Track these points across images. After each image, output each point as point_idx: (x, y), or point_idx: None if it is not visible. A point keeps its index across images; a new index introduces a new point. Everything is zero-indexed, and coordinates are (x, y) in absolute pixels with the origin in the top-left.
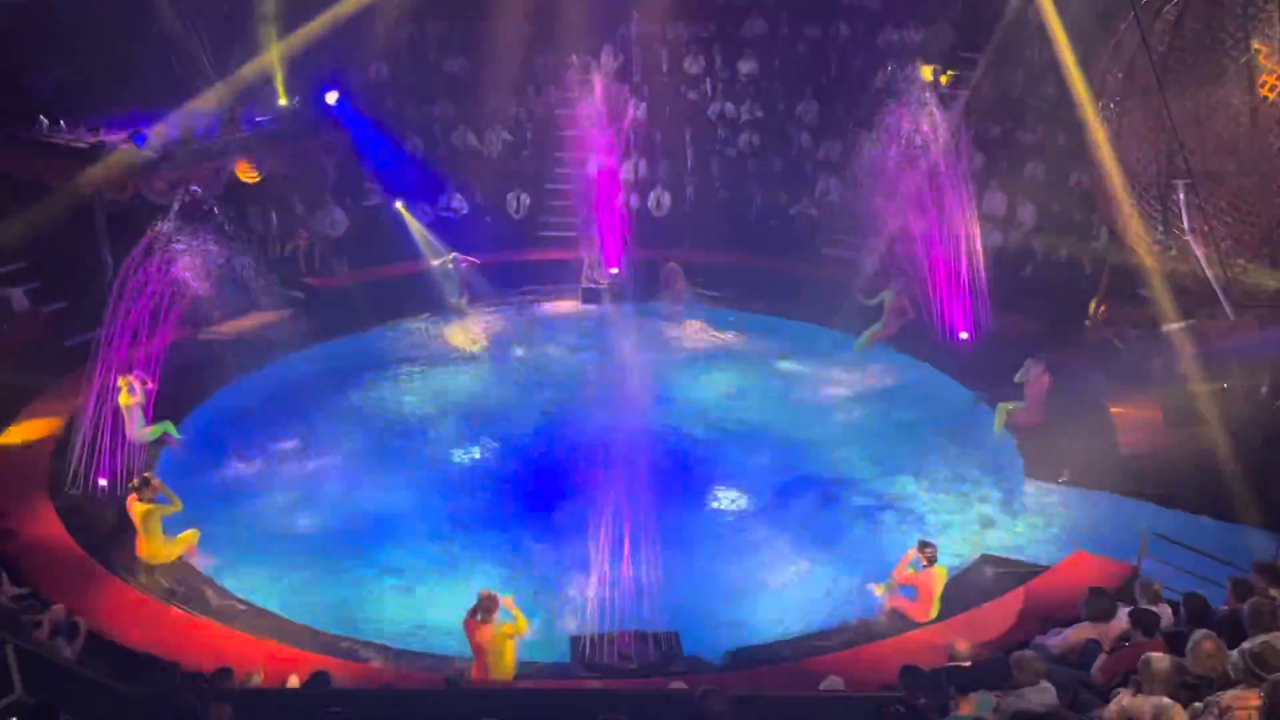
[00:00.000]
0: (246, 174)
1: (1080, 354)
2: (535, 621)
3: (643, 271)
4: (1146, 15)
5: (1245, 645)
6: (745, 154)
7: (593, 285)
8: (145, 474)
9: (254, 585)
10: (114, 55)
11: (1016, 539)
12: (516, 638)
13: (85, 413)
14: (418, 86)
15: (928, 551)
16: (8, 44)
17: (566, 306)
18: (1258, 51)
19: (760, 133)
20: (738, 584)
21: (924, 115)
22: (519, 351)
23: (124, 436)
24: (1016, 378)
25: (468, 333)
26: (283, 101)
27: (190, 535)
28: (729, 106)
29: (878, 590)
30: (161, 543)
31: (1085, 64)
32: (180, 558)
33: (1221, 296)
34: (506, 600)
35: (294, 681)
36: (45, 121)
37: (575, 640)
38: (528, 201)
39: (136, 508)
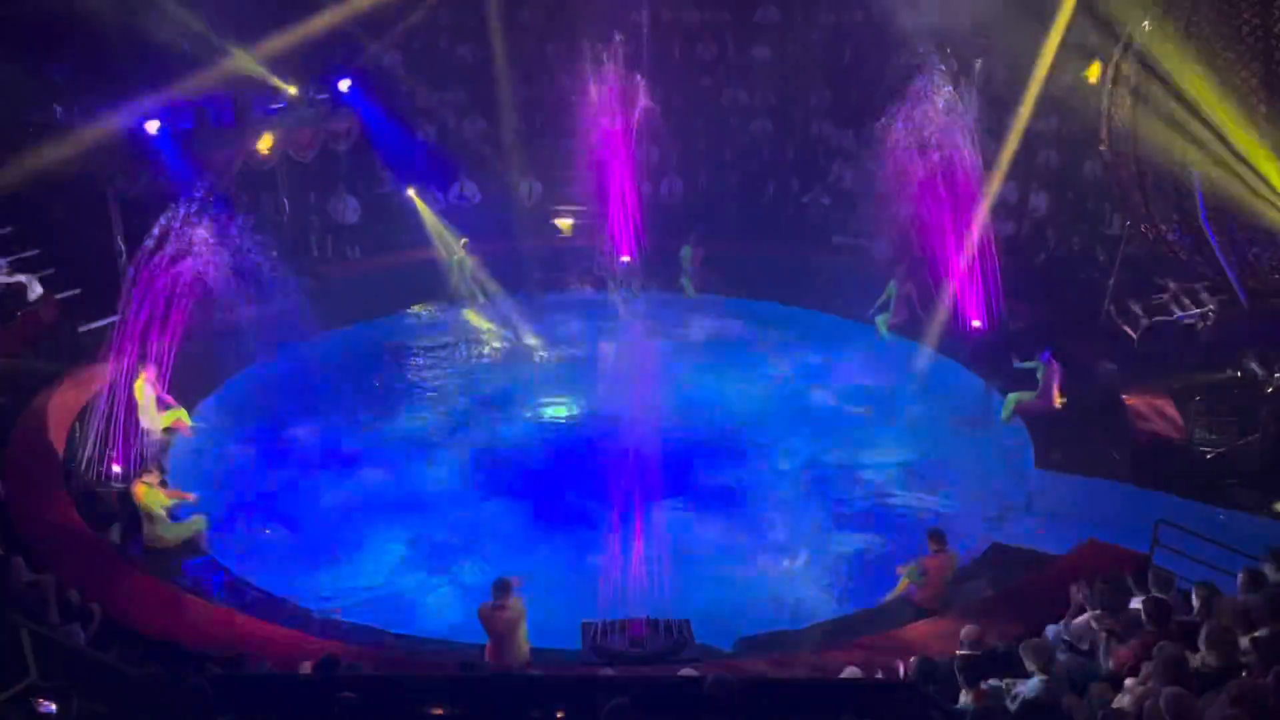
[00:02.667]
0: None
1: (1093, 343)
2: (547, 608)
3: (654, 259)
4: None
5: (1260, 633)
6: (758, 141)
7: (604, 273)
8: (152, 463)
9: (267, 570)
10: (128, 41)
11: (1027, 527)
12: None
13: (99, 400)
14: (430, 73)
15: (937, 538)
16: (22, 30)
17: (578, 294)
18: None
19: (773, 120)
20: (750, 572)
21: (937, 102)
22: (530, 339)
23: (138, 423)
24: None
25: (479, 321)
26: (292, 91)
27: (197, 521)
28: (742, 93)
29: (902, 582)
30: (168, 526)
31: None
32: (188, 543)
33: (1235, 283)
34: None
35: (306, 668)
36: (60, 108)
37: (586, 627)
38: (540, 189)
39: (143, 491)
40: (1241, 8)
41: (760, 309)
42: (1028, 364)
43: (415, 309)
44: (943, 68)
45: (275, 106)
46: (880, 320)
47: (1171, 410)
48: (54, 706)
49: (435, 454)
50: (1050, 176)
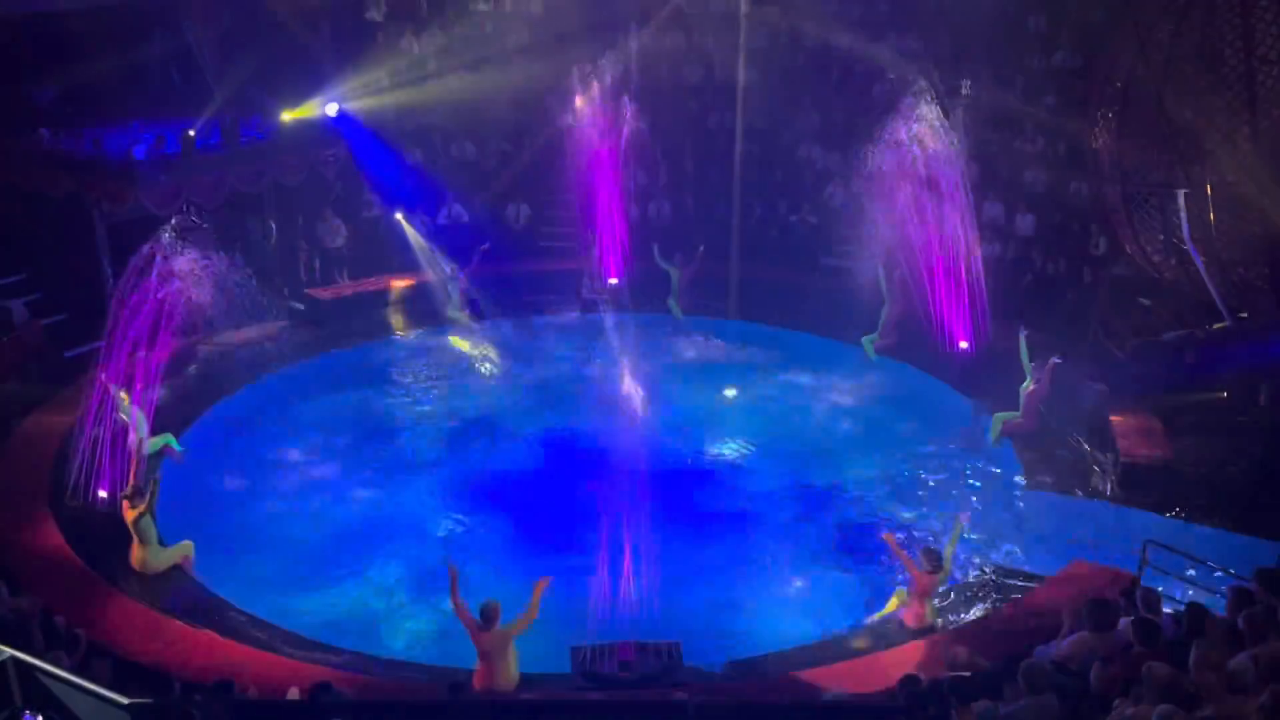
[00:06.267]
0: None
1: (1080, 363)
2: (536, 632)
3: (642, 281)
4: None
5: (1258, 651)
6: (745, 164)
7: (592, 295)
8: (136, 483)
9: (254, 596)
10: (115, 66)
11: (1016, 548)
12: (526, 623)
13: (85, 424)
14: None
15: (931, 558)
16: (9, 55)
17: (566, 317)
18: None
19: (760, 142)
20: (739, 594)
21: (923, 125)
22: (519, 362)
23: (124, 448)
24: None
25: (468, 344)
26: (286, 117)
27: (185, 546)
28: (729, 116)
29: (892, 601)
30: (156, 551)
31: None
32: (175, 567)
33: (1220, 303)
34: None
35: (295, 694)
36: (46, 132)
37: (576, 651)
38: (527, 212)
39: (129, 515)
40: (1224, 31)
41: (748, 330)
42: (1024, 350)
43: (403, 332)
44: (928, 90)
45: (263, 130)
46: (867, 341)
47: (1159, 430)
48: (39, 718)
49: (423, 477)
50: (1037, 197)
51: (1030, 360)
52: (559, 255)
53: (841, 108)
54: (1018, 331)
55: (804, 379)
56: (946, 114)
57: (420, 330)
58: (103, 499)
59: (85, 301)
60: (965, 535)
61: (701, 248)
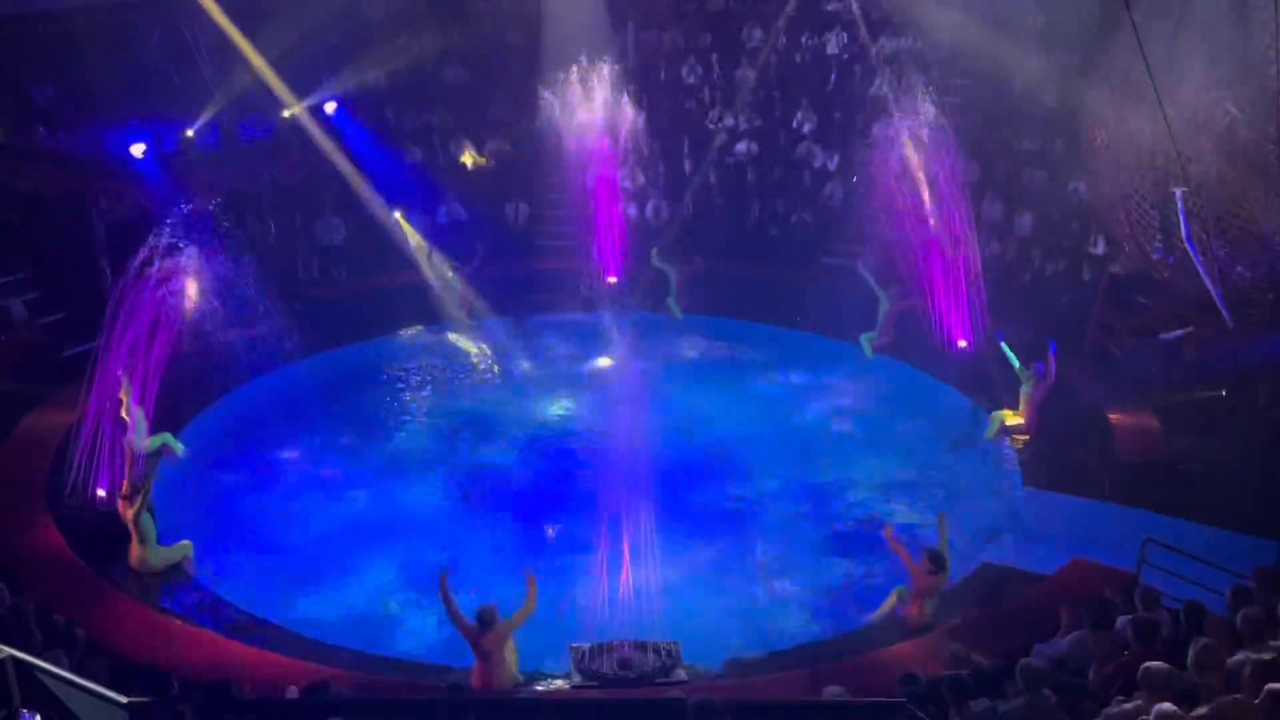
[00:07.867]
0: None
1: (1078, 362)
2: (536, 631)
3: (641, 280)
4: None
5: (1257, 650)
6: (743, 163)
7: (591, 294)
8: (132, 482)
9: (252, 595)
10: (113, 65)
11: (1015, 546)
12: (524, 616)
13: (84, 423)
14: (416, 96)
15: (934, 559)
16: (7, 53)
17: (565, 316)
18: None
19: (758, 141)
20: (739, 592)
21: (921, 124)
22: (518, 361)
23: (123, 447)
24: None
25: (466, 343)
26: (286, 114)
27: (184, 545)
28: (726, 115)
29: (890, 599)
30: (155, 550)
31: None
32: (175, 566)
33: (1219, 303)
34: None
35: (293, 693)
36: (44, 131)
37: (575, 650)
38: (526, 211)
39: (126, 514)
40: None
41: (746, 329)
42: (1010, 354)
43: (403, 331)
44: (926, 89)
45: (261, 129)
46: (865, 339)
47: (1158, 430)
48: (37, 717)
49: (423, 477)
50: (1035, 196)
51: (1019, 363)
52: (558, 254)
53: (839, 107)
54: (996, 340)
55: (803, 378)
56: (944, 113)
57: (419, 329)
58: (101, 498)
59: (84, 300)
60: (950, 532)
61: (697, 259)
